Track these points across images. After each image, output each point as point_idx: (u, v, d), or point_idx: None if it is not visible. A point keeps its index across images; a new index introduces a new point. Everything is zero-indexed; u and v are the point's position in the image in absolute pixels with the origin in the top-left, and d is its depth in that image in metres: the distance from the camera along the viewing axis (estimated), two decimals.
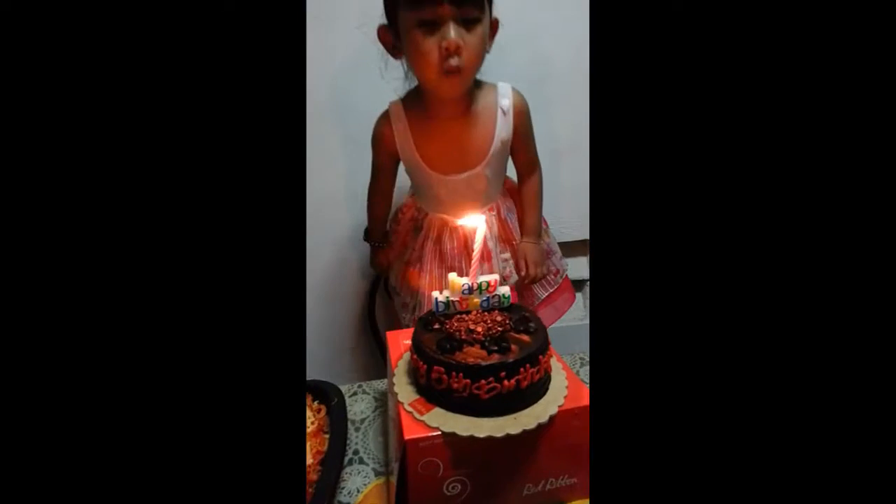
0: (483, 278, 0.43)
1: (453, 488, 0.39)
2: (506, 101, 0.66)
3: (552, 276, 0.77)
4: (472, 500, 0.40)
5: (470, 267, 0.44)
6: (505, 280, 0.71)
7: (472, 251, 0.45)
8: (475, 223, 0.44)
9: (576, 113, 0.82)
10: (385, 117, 0.68)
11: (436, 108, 0.65)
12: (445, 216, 0.70)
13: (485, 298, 0.44)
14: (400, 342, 0.50)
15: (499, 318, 0.43)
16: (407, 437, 0.37)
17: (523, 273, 0.71)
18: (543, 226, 0.77)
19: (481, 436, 0.37)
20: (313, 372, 0.49)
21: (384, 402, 0.57)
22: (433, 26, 0.55)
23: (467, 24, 0.56)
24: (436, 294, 0.44)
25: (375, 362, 1.10)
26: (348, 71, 0.88)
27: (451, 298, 0.44)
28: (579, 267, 1.10)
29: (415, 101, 0.66)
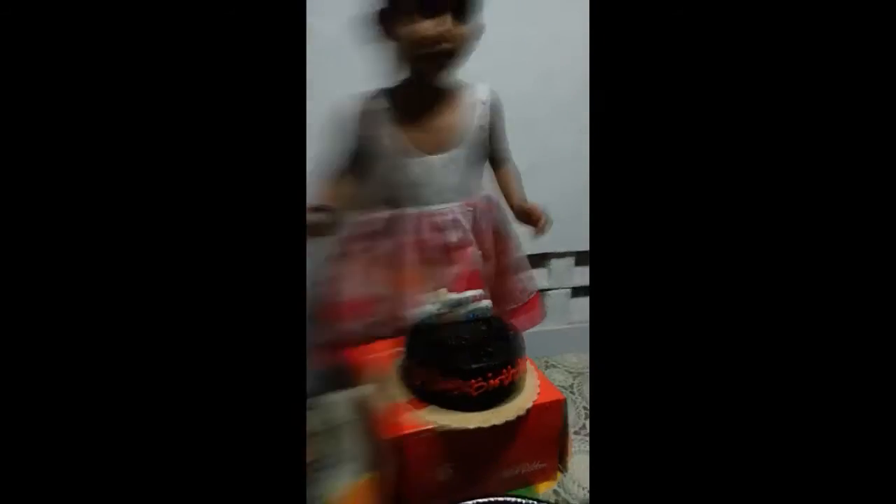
0: (468, 293, 0.50)
1: (443, 474, 0.45)
2: (484, 95, 0.75)
3: (517, 293, 0.85)
4: (458, 486, 0.46)
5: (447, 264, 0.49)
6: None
7: (449, 244, 0.51)
8: None
9: (531, 139, 0.91)
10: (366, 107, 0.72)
11: (420, 94, 0.72)
12: (421, 210, 0.73)
13: (469, 310, 0.51)
14: (365, 357, 0.55)
15: (482, 327, 0.50)
16: (404, 431, 0.43)
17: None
18: (516, 242, 0.84)
19: (472, 427, 0.43)
20: None
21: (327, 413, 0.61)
22: (431, 13, 0.64)
23: (460, 19, 0.66)
24: (426, 307, 0.50)
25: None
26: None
27: (441, 310, 0.50)
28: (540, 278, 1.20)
29: (397, 92, 0.73)
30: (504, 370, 0.46)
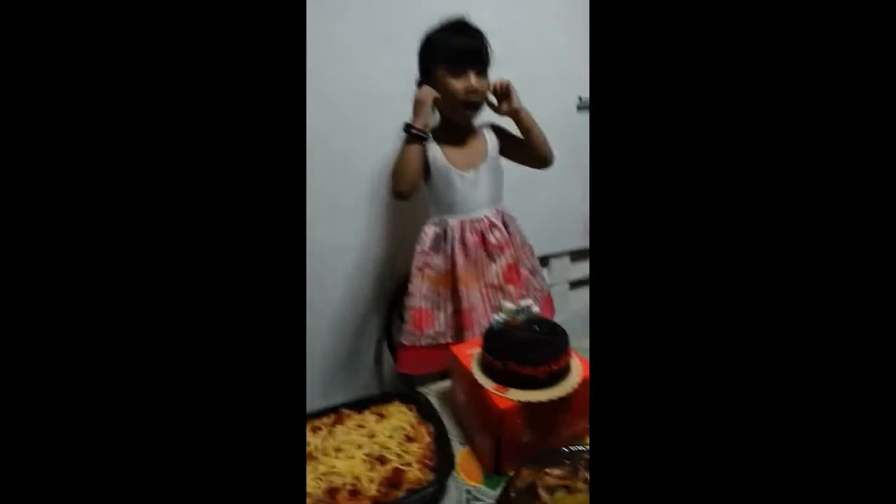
0: (523, 303, 0.68)
1: (525, 437, 0.63)
2: (489, 131, 1.02)
3: (538, 294, 1.04)
4: (536, 444, 0.63)
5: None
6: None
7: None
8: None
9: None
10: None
11: (453, 131, 0.97)
12: (464, 218, 0.97)
13: (526, 315, 0.68)
14: (464, 352, 0.72)
15: (536, 327, 0.68)
16: (502, 407, 0.60)
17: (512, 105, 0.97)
18: (530, 250, 1.05)
19: (545, 400, 0.61)
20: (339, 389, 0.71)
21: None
22: (459, 73, 0.89)
23: (479, 75, 0.91)
24: (495, 316, 0.67)
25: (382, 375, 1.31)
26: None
27: (505, 318, 0.67)
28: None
29: (436, 132, 0.97)
30: (560, 357, 0.63)
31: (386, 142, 1.17)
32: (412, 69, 0.98)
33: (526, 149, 0.99)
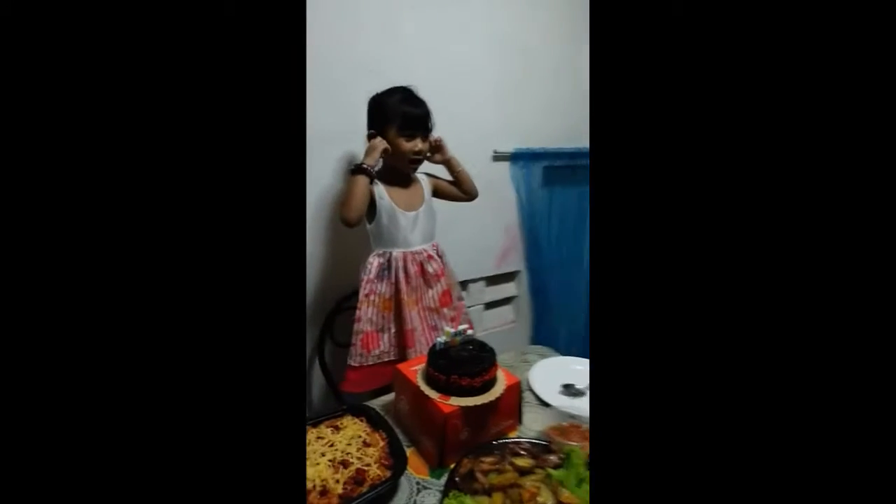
0: (460, 328, 0.84)
1: (464, 435, 0.78)
2: (424, 178, 1.20)
3: (463, 314, 1.23)
4: (471, 440, 0.79)
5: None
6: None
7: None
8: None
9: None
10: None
11: (396, 176, 1.14)
12: (405, 250, 1.12)
13: (463, 337, 0.84)
14: (409, 369, 0.86)
15: (470, 346, 0.84)
16: (446, 411, 0.74)
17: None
18: (459, 292, 1.23)
19: (480, 404, 0.77)
20: None
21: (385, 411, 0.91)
22: (410, 137, 1.08)
23: (423, 139, 1.10)
24: (437, 339, 0.82)
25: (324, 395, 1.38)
26: None
27: (446, 340, 0.83)
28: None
29: (382, 173, 1.12)
30: (490, 370, 0.80)
31: (324, 176, 1.28)
32: (345, 109, 1.17)
33: (457, 187, 1.22)
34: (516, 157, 1.63)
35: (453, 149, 1.18)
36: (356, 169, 1.03)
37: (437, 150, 1.15)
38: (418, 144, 1.08)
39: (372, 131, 1.10)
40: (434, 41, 1.39)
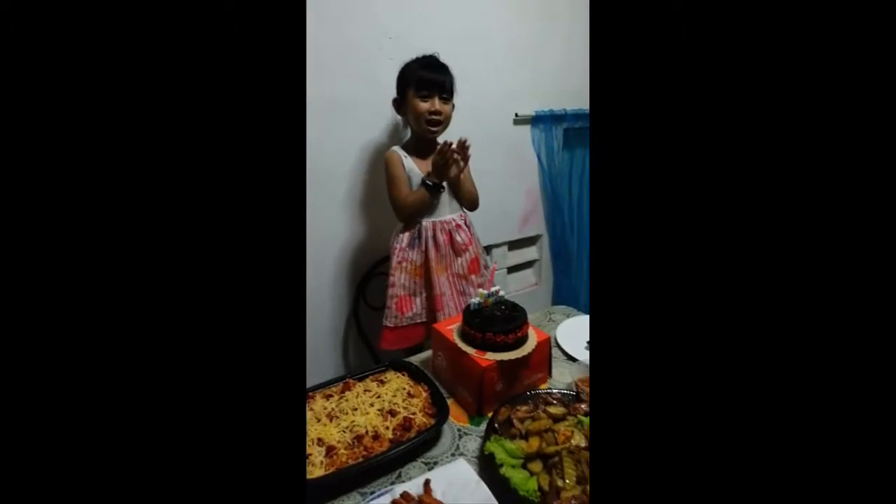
0: (493, 289, 0.89)
1: (499, 387, 0.84)
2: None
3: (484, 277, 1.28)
4: (505, 391, 0.85)
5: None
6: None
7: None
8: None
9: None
10: (394, 153, 1.16)
11: (422, 147, 1.18)
12: (435, 219, 1.17)
13: (496, 298, 0.89)
14: (445, 328, 0.92)
15: (502, 306, 0.89)
16: (483, 365, 0.81)
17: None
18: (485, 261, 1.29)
19: (514, 358, 0.83)
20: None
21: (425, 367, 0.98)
22: (426, 98, 1.10)
23: (443, 101, 1.12)
24: (472, 299, 0.88)
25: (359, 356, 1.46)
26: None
27: (480, 301, 0.88)
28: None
29: (408, 144, 1.18)
30: (523, 326, 0.86)
31: (352, 143, 1.31)
32: (366, 75, 1.21)
33: (457, 193, 1.22)
34: (536, 120, 1.63)
35: (476, 112, 1.21)
36: (424, 183, 1.12)
37: (461, 150, 1.11)
38: (435, 104, 1.12)
39: (396, 98, 1.15)
40: (453, 6, 1.38)
